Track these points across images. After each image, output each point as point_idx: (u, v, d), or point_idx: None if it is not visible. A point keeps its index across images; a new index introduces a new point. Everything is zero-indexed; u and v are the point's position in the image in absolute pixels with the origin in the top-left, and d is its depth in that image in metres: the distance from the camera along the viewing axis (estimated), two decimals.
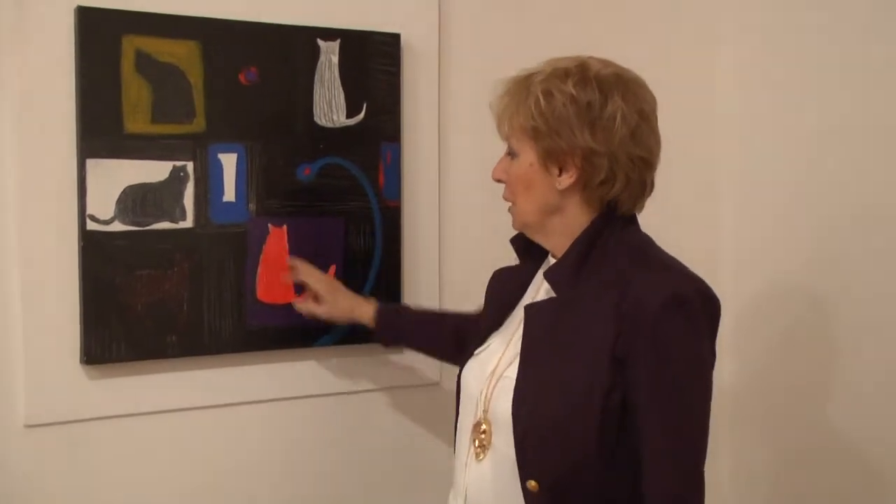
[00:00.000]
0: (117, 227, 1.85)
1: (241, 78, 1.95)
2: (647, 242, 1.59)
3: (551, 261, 1.64)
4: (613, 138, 1.51)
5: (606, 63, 1.57)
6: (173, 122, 1.89)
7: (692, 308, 1.47)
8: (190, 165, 1.91)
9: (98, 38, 1.82)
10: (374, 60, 2.06)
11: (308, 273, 1.98)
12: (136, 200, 1.86)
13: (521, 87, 1.56)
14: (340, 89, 2.03)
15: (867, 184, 2.16)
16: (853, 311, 2.19)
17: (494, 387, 1.58)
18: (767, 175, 2.41)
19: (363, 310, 1.99)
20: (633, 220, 1.60)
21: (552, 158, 1.54)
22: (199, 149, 1.92)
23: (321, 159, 2.02)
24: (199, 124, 1.92)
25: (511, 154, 1.59)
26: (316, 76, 2.01)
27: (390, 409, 2.17)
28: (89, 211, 1.83)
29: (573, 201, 1.56)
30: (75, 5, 1.80)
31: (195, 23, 1.90)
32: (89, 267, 1.83)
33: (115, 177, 1.85)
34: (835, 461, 2.24)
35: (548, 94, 1.52)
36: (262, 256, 1.98)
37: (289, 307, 2.00)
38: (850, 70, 2.20)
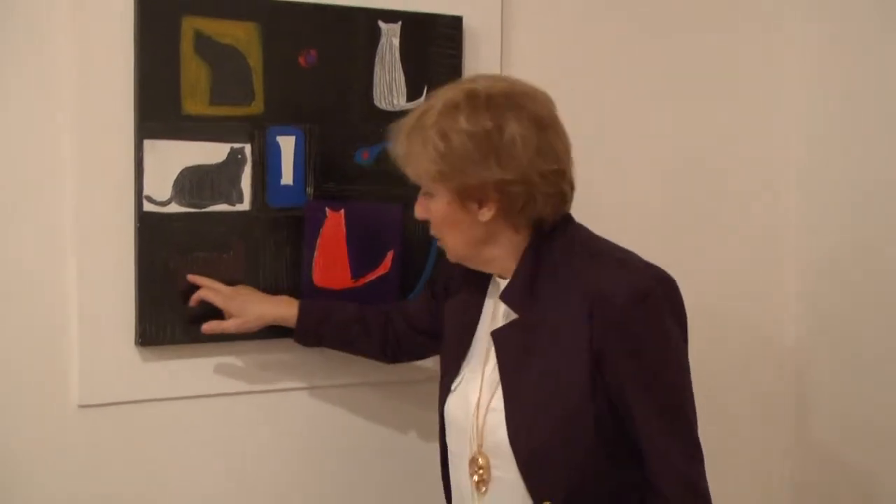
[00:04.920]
0: (174, 208, 1.84)
1: (301, 60, 1.93)
2: (590, 237, 1.59)
3: (499, 281, 1.62)
4: (521, 162, 1.49)
5: (496, 79, 1.56)
6: (232, 103, 1.88)
7: (654, 297, 1.49)
8: (248, 148, 1.90)
9: (157, 19, 1.81)
10: (435, 43, 2.03)
11: (208, 289, 1.85)
12: (193, 182, 1.86)
13: (416, 131, 1.54)
14: (401, 72, 2.00)
15: None
16: None
17: (485, 420, 1.57)
18: (835, 175, 2.35)
19: (280, 312, 1.87)
20: (567, 220, 1.59)
21: (467, 195, 1.52)
22: (258, 131, 1.90)
23: (380, 143, 1.99)
24: (257, 106, 1.90)
25: (427, 194, 1.58)
26: (376, 59, 1.98)
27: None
28: (146, 192, 1.82)
29: (501, 228, 1.56)
30: None
31: (255, 4, 1.88)
32: (145, 248, 1.83)
33: (172, 158, 1.84)
34: None
35: (443, 136, 1.50)
36: (318, 241, 1.95)
37: (344, 292, 1.96)
38: None
